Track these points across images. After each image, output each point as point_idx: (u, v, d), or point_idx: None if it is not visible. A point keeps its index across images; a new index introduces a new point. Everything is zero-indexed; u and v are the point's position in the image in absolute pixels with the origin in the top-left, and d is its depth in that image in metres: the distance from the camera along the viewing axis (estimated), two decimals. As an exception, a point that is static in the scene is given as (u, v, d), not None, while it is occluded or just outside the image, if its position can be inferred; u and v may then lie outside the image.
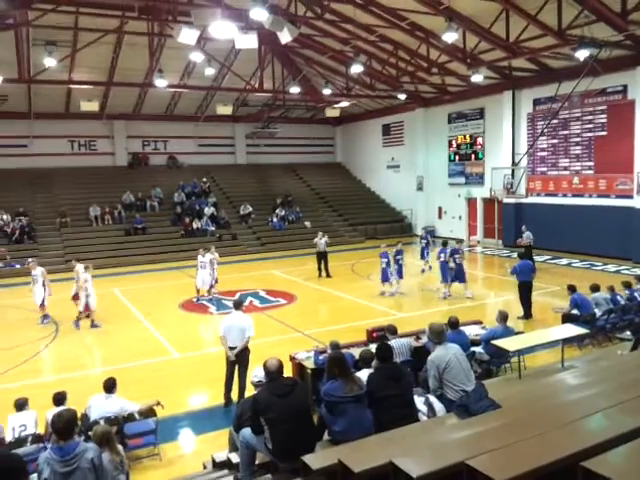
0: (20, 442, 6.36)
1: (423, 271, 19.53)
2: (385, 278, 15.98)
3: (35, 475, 4.36)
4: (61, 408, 5.94)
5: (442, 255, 15.44)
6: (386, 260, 15.94)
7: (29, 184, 27.35)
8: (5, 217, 24.41)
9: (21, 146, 28.12)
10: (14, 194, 26.19)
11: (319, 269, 19.44)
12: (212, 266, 16.14)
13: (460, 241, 17.70)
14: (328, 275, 19.23)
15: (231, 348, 8.56)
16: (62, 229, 25.14)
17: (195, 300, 16.14)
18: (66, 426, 4.20)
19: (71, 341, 12.75)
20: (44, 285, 14.29)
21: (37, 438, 6.47)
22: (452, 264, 15.12)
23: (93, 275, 20.44)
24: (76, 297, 14.61)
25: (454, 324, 8.24)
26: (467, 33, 18.62)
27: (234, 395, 8.62)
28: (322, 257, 19.36)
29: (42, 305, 14.25)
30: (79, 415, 5.58)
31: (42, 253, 23.06)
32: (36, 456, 5.13)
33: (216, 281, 16.65)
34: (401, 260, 16.38)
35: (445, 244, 16.23)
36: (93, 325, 13.77)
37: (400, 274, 16.38)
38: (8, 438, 6.43)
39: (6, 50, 19.18)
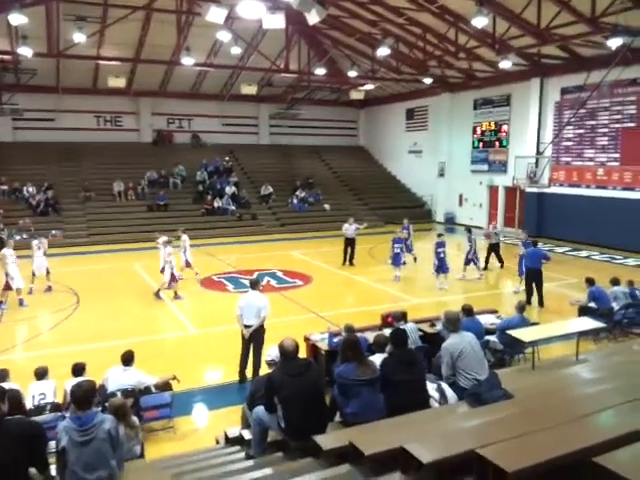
0: (39, 410, 6.56)
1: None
2: (397, 262, 15.92)
3: (53, 442, 4.48)
4: (80, 379, 6.10)
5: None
6: (399, 246, 15.85)
7: (55, 158, 27.68)
8: (31, 189, 24.81)
9: (49, 120, 28.45)
10: (41, 167, 26.56)
11: (344, 257, 18.25)
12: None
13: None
14: (351, 263, 18.21)
15: (247, 326, 8.67)
16: (86, 203, 25.47)
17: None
18: (85, 396, 4.28)
19: (91, 313, 12.99)
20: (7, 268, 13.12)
21: (55, 407, 6.65)
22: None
23: (114, 250, 20.67)
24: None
25: (469, 311, 8.23)
26: (497, 18, 18.25)
27: (248, 373, 8.74)
28: (349, 244, 18.23)
29: (7, 288, 13.08)
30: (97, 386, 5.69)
31: (66, 226, 23.45)
32: (54, 424, 5.28)
33: (187, 264, 16.12)
34: (442, 253, 15.14)
35: (469, 231, 16.47)
36: (176, 297, 14.08)
37: (444, 268, 15.13)
38: (28, 405, 6.61)
39: (37, 25, 19.28)
